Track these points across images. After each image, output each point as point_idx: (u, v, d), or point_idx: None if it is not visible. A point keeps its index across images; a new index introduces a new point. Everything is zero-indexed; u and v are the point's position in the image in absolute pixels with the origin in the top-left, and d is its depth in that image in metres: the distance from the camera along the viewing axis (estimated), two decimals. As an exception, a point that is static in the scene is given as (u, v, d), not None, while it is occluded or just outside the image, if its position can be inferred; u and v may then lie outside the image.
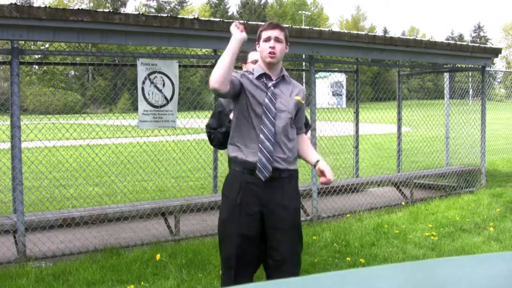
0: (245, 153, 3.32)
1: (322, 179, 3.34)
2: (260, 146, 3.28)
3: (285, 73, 3.47)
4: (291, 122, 3.41)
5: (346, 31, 7.24)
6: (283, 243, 3.35)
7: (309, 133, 3.62)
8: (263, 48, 3.35)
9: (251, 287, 1.20)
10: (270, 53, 3.31)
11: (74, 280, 4.53)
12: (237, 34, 3.21)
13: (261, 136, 3.29)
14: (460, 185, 8.78)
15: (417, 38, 8.25)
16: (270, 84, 3.36)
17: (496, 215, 6.87)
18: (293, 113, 3.42)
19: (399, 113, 9.54)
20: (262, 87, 3.35)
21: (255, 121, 3.31)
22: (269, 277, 3.44)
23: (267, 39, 3.33)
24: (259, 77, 3.36)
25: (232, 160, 3.44)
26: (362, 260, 5.09)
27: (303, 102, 3.51)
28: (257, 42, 3.44)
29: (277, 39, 3.34)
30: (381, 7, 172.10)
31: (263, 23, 3.61)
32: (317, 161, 3.42)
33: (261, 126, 3.29)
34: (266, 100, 3.32)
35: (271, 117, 3.31)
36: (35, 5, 25.65)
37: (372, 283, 1.21)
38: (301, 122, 3.56)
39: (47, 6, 5.26)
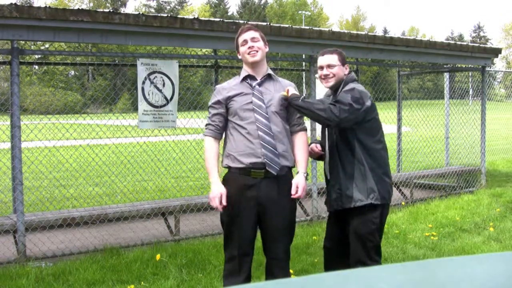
0: (238, 158, 3.38)
1: (293, 194, 3.39)
2: (262, 142, 3.34)
3: (271, 72, 3.53)
4: (281, 118, 3.44)
5: (346, 31, 7.24)
6: (280, 241, 3.46)
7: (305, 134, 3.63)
8: (243, 51, 3.45)
9: (251, 287, 1.20)
10: (250, 53, 3.41)
11: (74, 280, 4.53)
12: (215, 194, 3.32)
13: (260, 133, 3.34)
14: (460, 185, 8.77)
15: (417, 38, 8.25)
16: (254, 83, 3.44)
17: (496, 215, 6.87)
18: (278, 109, 3.44)
19: (399, 113, 9.53)
20: (246, 88, 3.42)
21: (245, 126, 3.37)
22: (267, 272, 3.55)
23: (244, 42, 3.44)
24: (243, 79, 3.46)
25: (227, 169, 3.52)
26: (362, 260, 5.09)
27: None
28: (237, 50, 3.54)
29: (253, 39, 3.43)
30: (381, 7, 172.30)
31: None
32: (297, 173, 3.48)
33: (257, 124, 3.35)
34: (254, 99, 3.39)
35: (263, 113, 3.37)
36: (35, 5, 25.65)
37: (372, 283, 1.21)
38: (295, 117, 3.54)
39: (47, 6, 5.26)
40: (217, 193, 3.29)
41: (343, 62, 3.66)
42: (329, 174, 3.63)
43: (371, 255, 3.51)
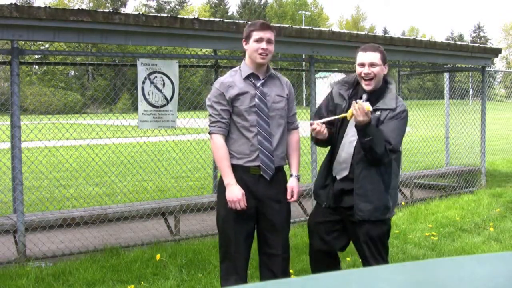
0: (238, 158, 3.38)
1: (289, 199, 3.47)
2: (260, 147, 3.34)
3: (272, 70, 3.51)
4: (281, 120, 3.45)
5: (346, 31, 7.23)
6: (278, 238, 3.46)
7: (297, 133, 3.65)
8: (254, 48, 3.34)
9: (251, 287, 1.20)
10: (261, 54, 3.34)
11: (74, 280, 4.53)
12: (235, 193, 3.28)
13: (259, 137, 3.34)
14: (460, 185, 8.77)
15: (417, 38, 8.25)
16: (258, 84, 3.40)
17: (496, 215, 6.87)
18: (284, 110, 3.46)
19: (399, 113, 9.51)
20: (250, 88, 3.38)
21: (248, 129, 3.36)
22: (263, 271, 3.52)
23: (259, 40, 3.34)
24: (247, 77, 3.40)
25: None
26: (362, 260, 5.08)
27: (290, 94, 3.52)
28: (245, 40, 3.41)
29: (269, 41, 3.37)
30: (381, 7, 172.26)
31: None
32: (290, 175, 3.53)
33: (258, 128, 3.34)
34: (257, 101, 3.36)
35: (265, 116, 3.36)
36: (35, 5, 25.61)
37: (372, 283, 1.21)
38: (292, 113, 3.56)
39: (47, 6, 5.26)
40: (239, 194, 3.27)
41: (385, 61, 3.38)
42: (356, 180, 3.34)
43: (383, 255, 3.46)
